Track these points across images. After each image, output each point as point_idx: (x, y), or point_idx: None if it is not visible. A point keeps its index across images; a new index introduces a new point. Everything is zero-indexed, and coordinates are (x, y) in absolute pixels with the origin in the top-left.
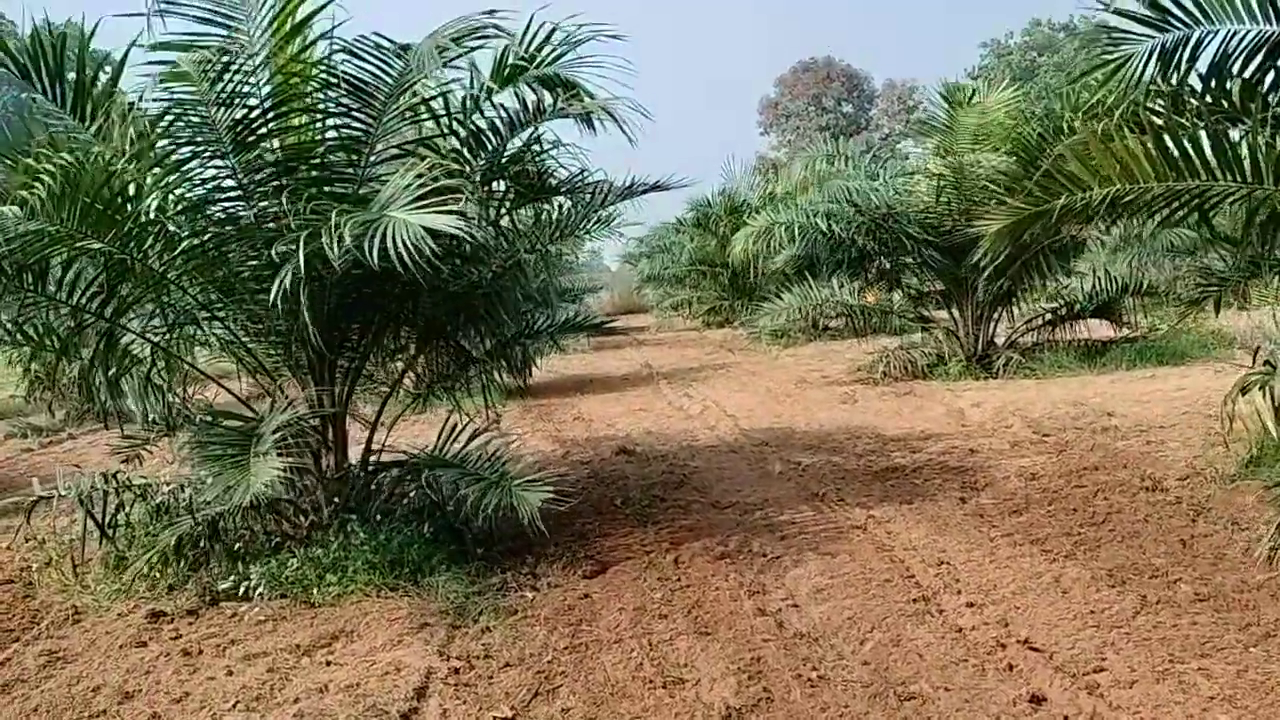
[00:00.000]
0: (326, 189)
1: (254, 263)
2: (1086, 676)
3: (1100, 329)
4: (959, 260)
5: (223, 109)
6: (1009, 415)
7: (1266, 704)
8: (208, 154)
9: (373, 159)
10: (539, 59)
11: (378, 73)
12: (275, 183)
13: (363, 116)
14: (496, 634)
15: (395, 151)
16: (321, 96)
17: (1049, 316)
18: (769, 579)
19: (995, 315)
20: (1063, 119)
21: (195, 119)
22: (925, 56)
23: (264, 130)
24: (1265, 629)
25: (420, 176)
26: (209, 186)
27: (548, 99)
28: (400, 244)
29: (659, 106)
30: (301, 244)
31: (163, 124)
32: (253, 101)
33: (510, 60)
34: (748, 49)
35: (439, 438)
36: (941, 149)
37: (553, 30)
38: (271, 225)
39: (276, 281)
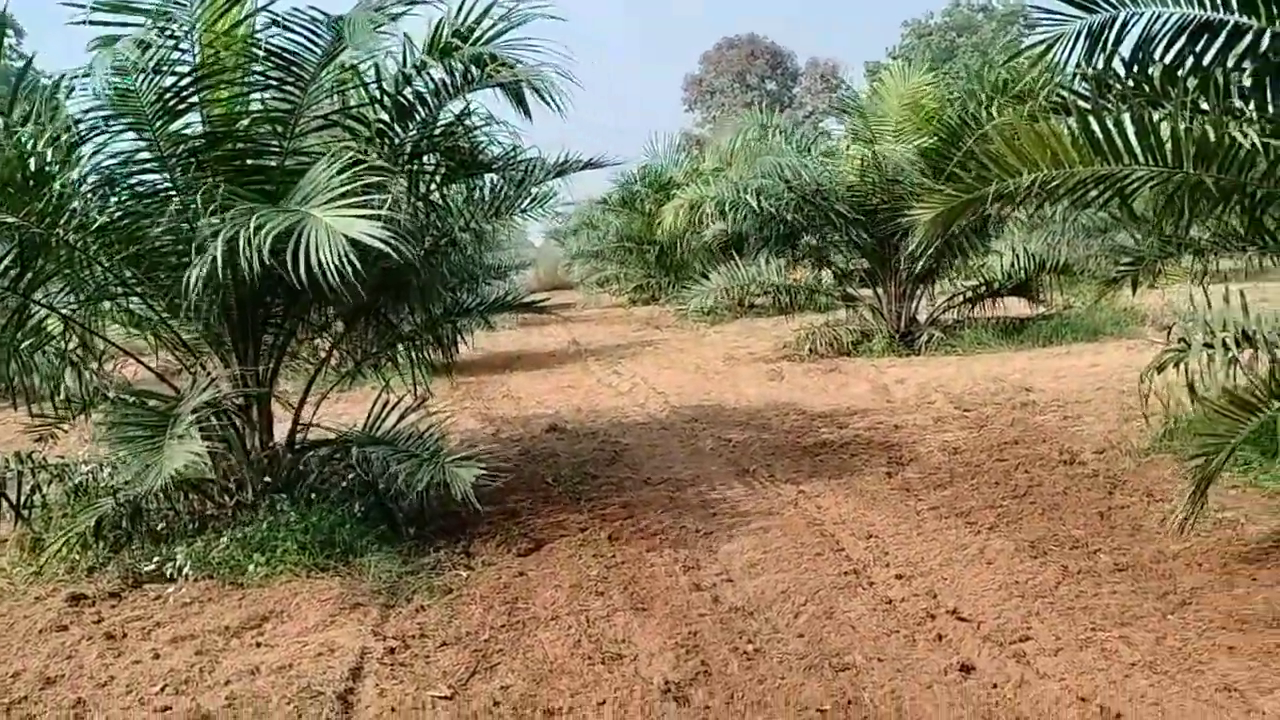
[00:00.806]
0: (251, 162)
1: (172, 238)
2: (1013, 645)
3: (1018, 306)
4: (883, 239)
5: (149, 77)
6: (932, 391)
7: (1184, 669)
8: (126, 124)
9: (299, 130)
10: (475, 35)
11: (306, 43)
12: (198, 156)
13: (290, 88)
14: (432, 613)
15: (321, 122)
16: (252, 69)
17: (969, 294)
18: (703, 554)
19: (918, 293)
20: (983, 101)
21: (119, 87)
22: (848, 35)
23: (191, 100)
24: (1181, 597)
25: (346, 171)
26: (125, 158)
27: (475, 70)
28: (323, 257)
29: (586, 84)
30: (221, 243)
31: (83, 93)
32: (181, 69)
33: (445, 35)
34: (674, 26)
35: (369, 415)
36: (864, 129)
37: (490, 5)
38: (193, 199)
39: (192, 272)
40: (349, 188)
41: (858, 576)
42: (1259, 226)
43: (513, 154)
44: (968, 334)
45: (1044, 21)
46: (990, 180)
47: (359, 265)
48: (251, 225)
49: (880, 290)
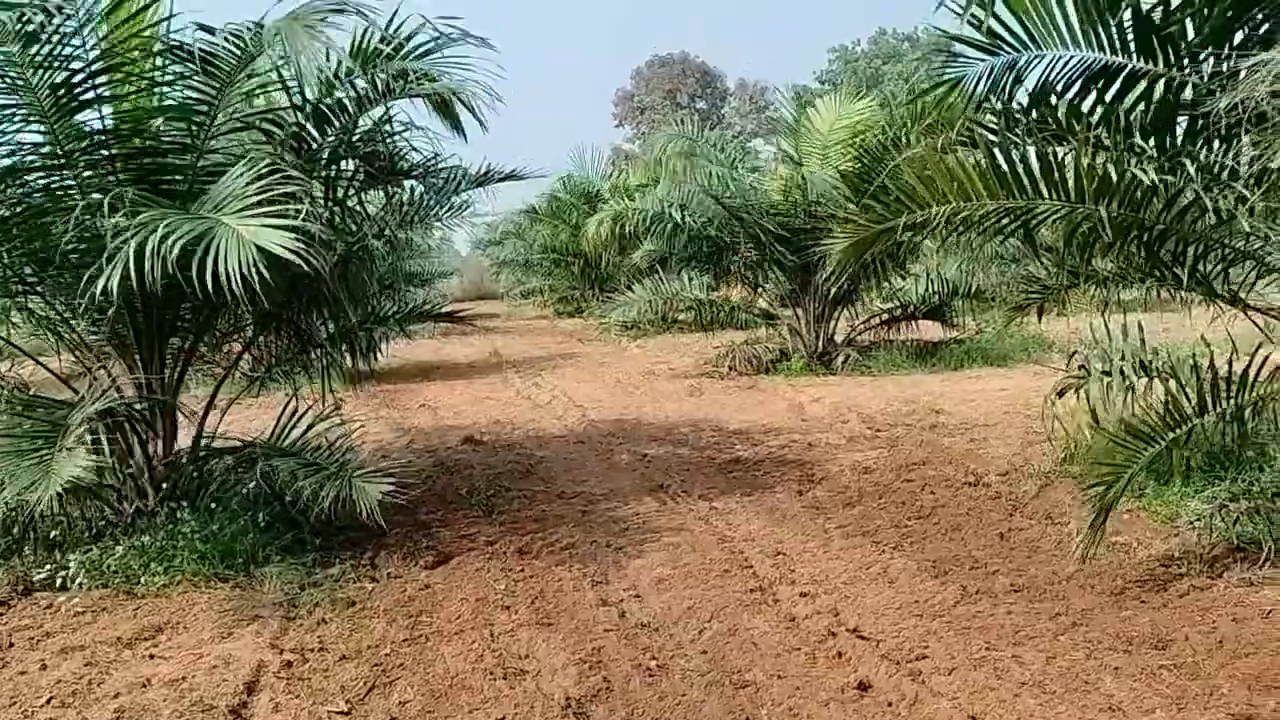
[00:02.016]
0: (162, 161)
1: (75, 237)
2: (910, 664)
3: (933, 330)
4: (805, 260)
5: (40, 71)
6: (846, 411)
7: (1072, 690)
8: (24, 116)
9: (214, 131)
10: (404, 51)
11: (224, 44)
12: (102, 152)
13: (205, 88)
14: (333, 626)
15: (238, 124)
16: (163, 66)
17: (885, 316)
18: (612, 570)
19: (836, 314)
20: (903, 129)
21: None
22: (777, 58)
23: (88, 95)
24: (1073, 618)
25: (260, 180)
26: (28, 149)
27: (398, 81)
28: (230, 266)
29: (515, 97)
30: (131, 250)
31: None
32: (76, 65)
33: (372, 46)
34: (603, 43)
35: (276, 424)
36: (791, 151)
37: (420, 26)
38: (97, 197)
39: (99, 280)
40: (264, 196)
41: (763, 594)
42: (1157, 260)
43: (433, 162)
44: (883, 355)
45: (954, 62)
46: (901, 212)
47: (266, 275)
48: (159, 233)
49: (800, 310)
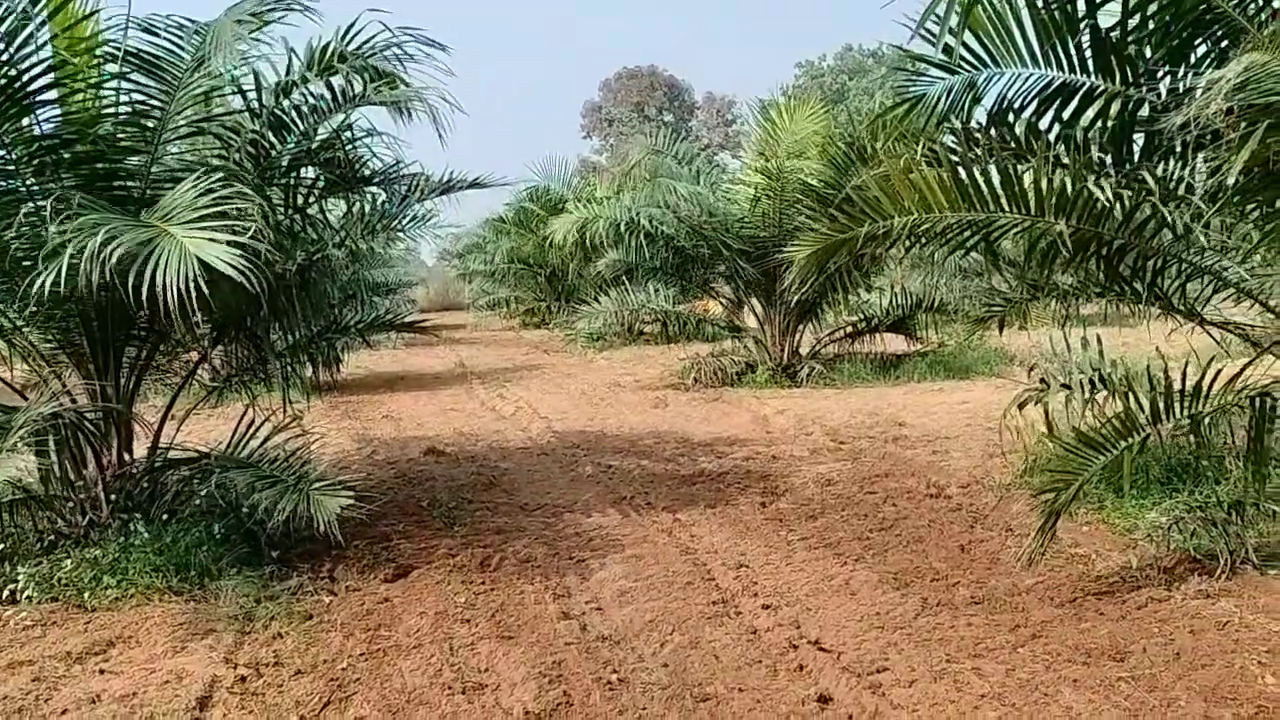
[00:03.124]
0: (112, 165)
1: (26, 242)
2: (870, 676)
3: (896, 343)
4: (770, 273)
5: None
6: (810, 423)
7: (1031, 701)
8: None
9: (165, 138)
10: (361, 54)
11: (172, 48)
12: (49, 156)
13: (155, 93)
14: (289, 640)
15: (191, 130)
16: (110, 70)
17: (850, 329)
18: (574, 582)
19: (801, 327)
20: (867, 143)
21: None
22: (744, 72)
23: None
24: (1032, 630)
25: (210, 193)
26: None
27: (358, 86)
28: (169, 280)
29: (483, 107)
30: (77, 255)
31: None
32: (22, 67)
33: (332, 52)
34: (571, 55)
35: (233, 435)
36: (761, 162)
37: (378, 33)
38: (43, 203)
39: (36, 280)
40: (215, 209)
41: (726, 606)
42: (1116, 274)
43: (395, 170)
44: (847, 368)
45: (917, 80)
46: (864, 221)
47: (205, 290)
48: (99, 238)
49: (765, 323)
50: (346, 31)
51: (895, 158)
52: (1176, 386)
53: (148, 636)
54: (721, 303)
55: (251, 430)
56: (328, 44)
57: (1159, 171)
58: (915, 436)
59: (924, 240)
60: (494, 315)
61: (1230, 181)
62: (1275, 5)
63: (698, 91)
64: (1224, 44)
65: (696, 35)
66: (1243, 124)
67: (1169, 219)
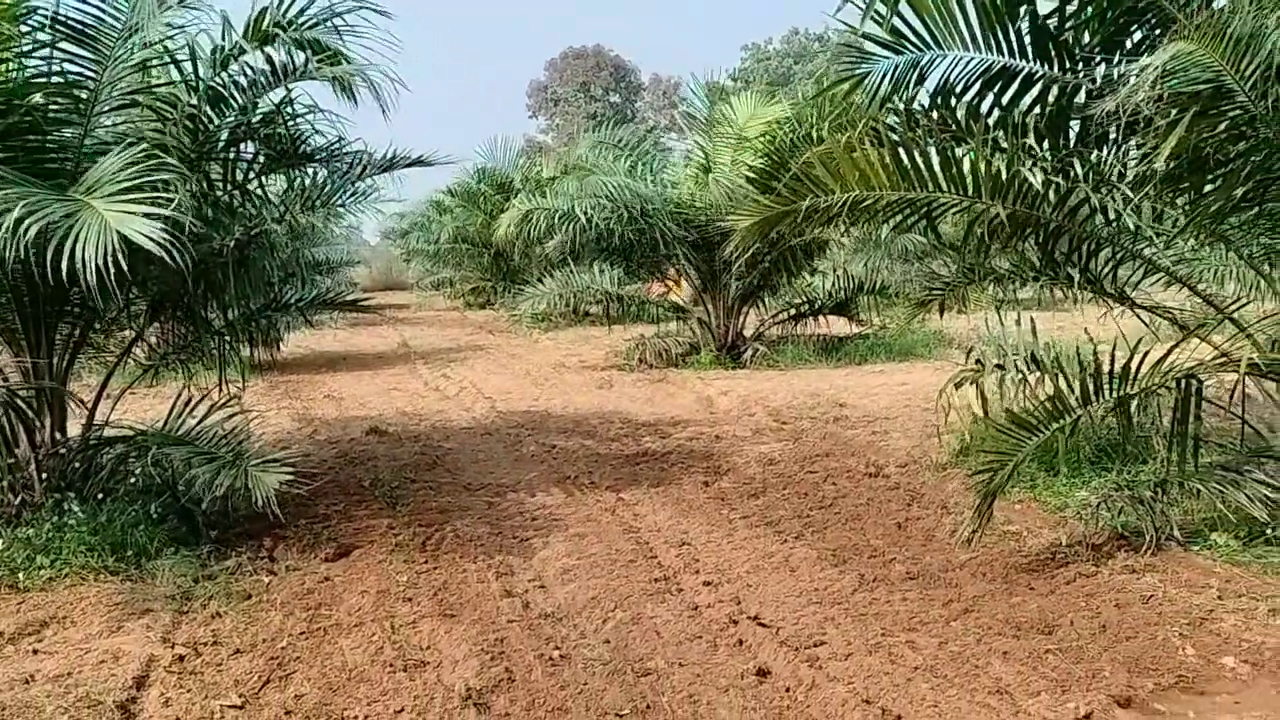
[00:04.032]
0: (41, 138)
1: None
2: (808, 650)
3: (839, 325)
4: (712, 256)
5: None
6: (753, 404)
7: (962, 673)
8: None
9: (98, 110)
10: (298, 23)
11: (103, 16)
12: None
13: (86, 63)
14: (227, 619)
15: (124, 102)
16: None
17: (793, 311)
18: (518, 560)
19: (745, 309)
20: (812, 125)
21: None
22: (691, 54)
23: None
24: (964, 605)
25: (135, 165)
26: None
27: (300, 59)
28: (88, 256)
29: (428, 87)
30: None
31: None
32: None
33: (268, 21)
34: (519, 33)
35: (170, 412)
36: (701, 150)
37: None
38: None
39: None
40: (140, 180)
41: (667, 583)
42: (1050, 258)
43: (337, 146)
44: (791, 350)
45: (862, 61)
46: (805, 195)
47: (127, 266)
48: (15, 213)
49: (709, 305)
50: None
51: (837, 139)
52: (1106, 369)
53: (83, 617)
54: (673, 287)
55: (189, 408)
56: (264, 8)
57: (1093, 157)
58: (856, 417)
59: (865, 217)
60: (438, 295)
61: (1159, 167)
62: None
63: (644, 73)
64: (1157, 32)
65: (643, 16)
66: (1172, 111)
67: (1100, 204)
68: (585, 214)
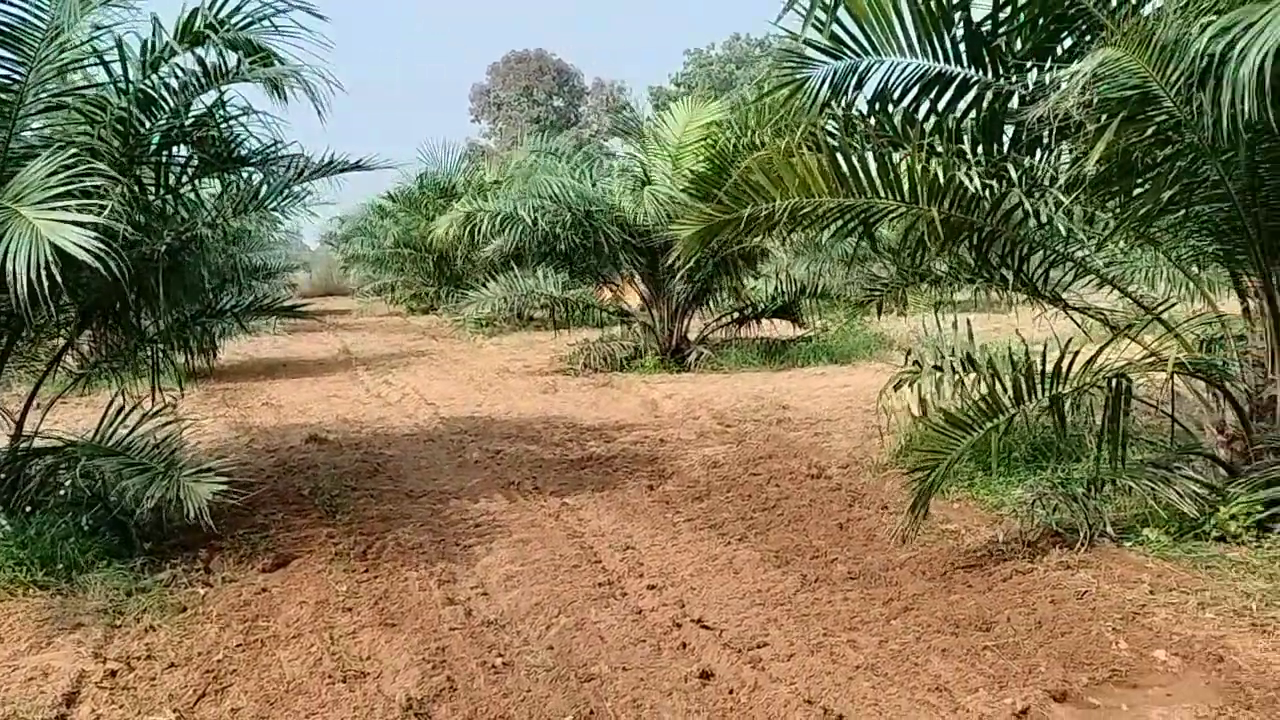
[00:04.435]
0: None
1: None
2: (751, 651)
3: (782, 328)
4: (655, 261)
5: None
6: (697, 407)
7: (903, 671)
8: None
9: (23, 112)
10: (230, 23)
11: (28, 16)
12: None
13: (11, 65)
14: (161, 633)
15: (51, 104)
16: None
17: (737, 315)
18: (460, 568)
19: (689, 313)
20: (752, 131)
21: None
22: (635, 59)
23: None
24: (904, 603)
25: (65, 170)
26: None
27: (233, 61)
28: (19, 269)
29: (368, 90)
30: None
31: None
32: None
33: (199, 22)
34: (461, 36)
35: (101, 422)
36: (643, 155)
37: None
38: None
39: None
40: (71, 186)
41: (611, 588)
42: (985, 260)
43: (273, 150)
44: (734, 353)
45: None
46: (747, 203)
47: (59, 275)
48: None
49: (654, 309)
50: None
51: (776, 146)
52: (1039, 369)
53: (10, 633)
54: (619, 291)
55: (121, 417)
56: (195, 9)
57: (1026, 162)
58: (799, 419)
59: (806, 223)
60: (380, 300)
61: (1089, 171)
62: (1132, 2)
63: (587, 77)
64: (1087, 39)
65: (586, 21)
66: (1102, 116)
67: (1033, 208)
68: (530, 215)
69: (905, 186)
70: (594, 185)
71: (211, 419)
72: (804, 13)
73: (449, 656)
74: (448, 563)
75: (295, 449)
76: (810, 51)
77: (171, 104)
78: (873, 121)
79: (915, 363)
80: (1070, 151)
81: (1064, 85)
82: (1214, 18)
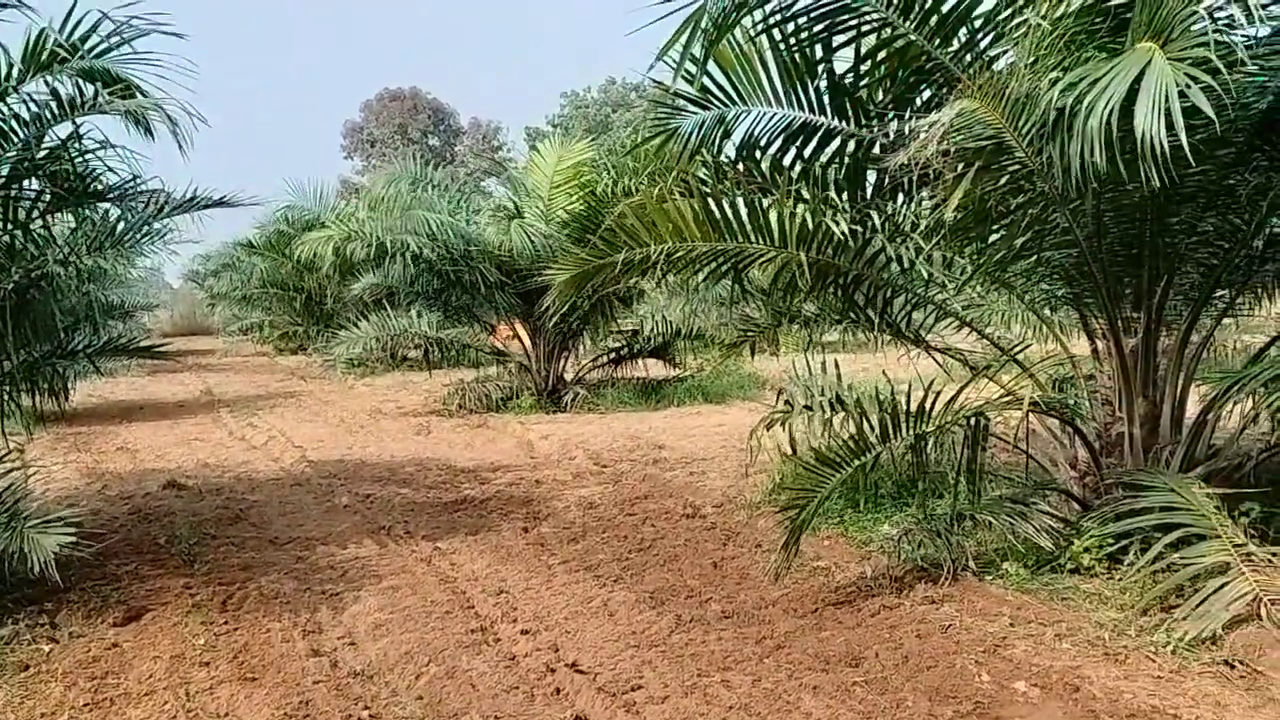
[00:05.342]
0: None
1: None
2: (625, 695)
3: (657, 368)
4: (531, 302)
5: None
6: (573, 448)
7: (775, 710)
8: None
9: None
10: (83, 49)
11: None
12: None
13: None
14: (1, 693)
15: None
16: None
17: (613, 356)
18: (326, 617)
19: (566, 353)
20: (629, 177)
21: None
22: (512, 100)
23: None
24: (777, 641)
25: None
26: None
27: (90, 91)
28: None
29: (234, 125)
30: None
31: None
32: None
33: (48, 46)
34: (335, 74)
35: None
36: (518, 194)
37: (100, 20)
38: None
39: None
40: None
41: (484, 634)
42: (852, 302)
43: (131, 185)
44: (610, 393)
45: (675, 115)
46: (621, 248)
47: None
48: None
49: (530, 349)
50: (65, 21)
51: (649, 192)
52: (903, 408)
53: None
54: (494, 331)
55: None
56: (42, 35)
57: (889, 208)
58: (674, 459)
59: (680, 267)
60: (247, 340)
61: (948, 218)
62: (986, 57)
63: (464, 117)
64: (944, 91)
65: (462, 61)
66: (959, 165)
67: (896, 253)
68: (411, 246)
69: (775, 231)
70: (468, 223)
71: (62, 465)
72: (674, 65)
73: (313, 711)
74: (313, 612)
75: (151, 495)
76: (681, 101)
77: (22, 135)
78: (741, 168)
79: (787, 402)
80: (930, 198)
81: (923, 135)
82: (1061, 74)
